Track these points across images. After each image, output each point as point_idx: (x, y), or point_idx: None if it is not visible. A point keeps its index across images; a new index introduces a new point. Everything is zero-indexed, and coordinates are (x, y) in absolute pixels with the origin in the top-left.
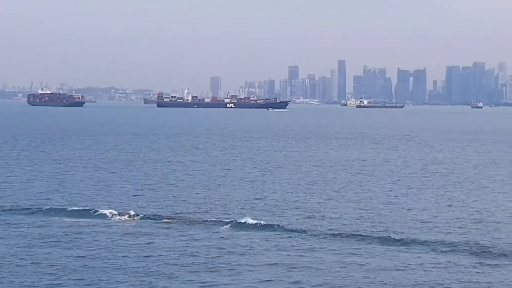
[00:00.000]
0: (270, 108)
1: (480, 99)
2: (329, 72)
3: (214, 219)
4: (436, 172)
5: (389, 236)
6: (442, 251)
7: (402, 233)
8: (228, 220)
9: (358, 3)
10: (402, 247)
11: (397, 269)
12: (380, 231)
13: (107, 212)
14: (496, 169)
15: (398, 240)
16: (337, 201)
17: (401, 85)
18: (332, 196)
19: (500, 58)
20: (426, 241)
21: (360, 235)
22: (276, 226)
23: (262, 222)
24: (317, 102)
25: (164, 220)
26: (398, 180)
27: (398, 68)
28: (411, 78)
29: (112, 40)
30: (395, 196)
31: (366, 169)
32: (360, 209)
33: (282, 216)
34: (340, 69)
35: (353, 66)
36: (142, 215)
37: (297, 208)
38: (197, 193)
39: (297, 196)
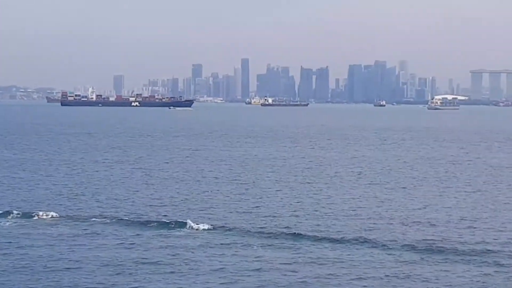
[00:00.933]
0: (171, 107)
1: (382, 97)
2: (232, 71)
3: (139, 219)
4: (354, 170)
5: (326, 236)
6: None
7: (331, 230)
8: (149, 220)
9: (262, 2)
10: (331, 244)
11: (328, 265)
12: (313, 229)
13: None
14: (417, 166)
15: (337, 240)
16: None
17: (304, 83)
18: (241, 193)
19: (401, 57)
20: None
21: (294, 233)
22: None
23: (178, 220)
24: (221, 100)
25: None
26: (312, 176)
27: (301, 67)
28: (314, 77)
29: (13, 38)
30: (312, 192)
31: (289, 167)
32: (290, 207)
33: (211, 214)
34: (243, 67)
35: (257, 65)
36: (64, 216)
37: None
38: (118, 193)
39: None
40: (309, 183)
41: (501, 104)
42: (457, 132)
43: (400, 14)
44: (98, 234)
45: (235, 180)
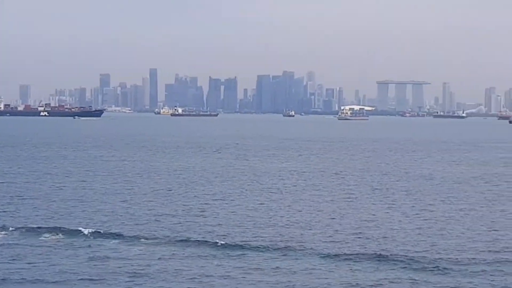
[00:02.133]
0: (76, 117)
1: (290, 107)
2: (141, 80)
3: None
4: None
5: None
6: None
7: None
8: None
9: (170, 10)
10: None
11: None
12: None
13: None
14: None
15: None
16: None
17: (212, 93)
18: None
19: (309, 68)
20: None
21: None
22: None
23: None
24: (129, 110)
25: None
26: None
27: (210, 77)
28: (222, 87)
29: None
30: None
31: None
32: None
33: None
34: (152, 77)
35: (165, 75)
36: None
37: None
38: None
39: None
40: (231, 193)
41: (407, 114)
42: (385, 141)
43: (307, 26)
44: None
45: (171, 191)
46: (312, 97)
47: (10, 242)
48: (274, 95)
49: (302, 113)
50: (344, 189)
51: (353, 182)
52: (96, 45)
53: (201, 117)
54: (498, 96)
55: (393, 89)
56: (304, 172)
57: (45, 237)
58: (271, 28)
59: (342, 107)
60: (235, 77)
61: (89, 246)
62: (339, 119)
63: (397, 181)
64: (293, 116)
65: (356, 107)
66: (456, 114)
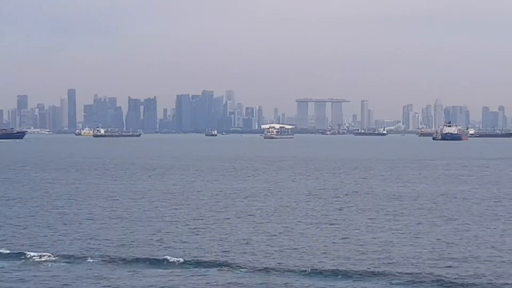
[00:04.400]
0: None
1: (210, 126)
2: (59, 101)
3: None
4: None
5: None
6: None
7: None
8: None
9: (87, 30)
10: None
11: None
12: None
13: None
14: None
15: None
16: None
17: (132, 114)
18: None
19: (228, 87)
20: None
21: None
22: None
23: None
24: (48, 132)
25: None
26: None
27: (129, 97)
28: (142, 107)
29: None
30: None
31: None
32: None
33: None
34: (70, 98)
35: (84, 95)
36: None
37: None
38: None
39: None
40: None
41: (328, 132)
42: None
43: (225, 47)
44: None
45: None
46: (232, 116)
47: None
48: (194, 114)
49: (223, 132)
50: (315, 209)
51: (323, 202)
52: (13, 67)
53: (124, 137)
54: (416, 113)
55: (313, 107)
56: (289, 191)
57: None
58: (188, 47)
59: (262, 126)
60: (155, 97)
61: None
62: (265, 138)
63: (372, 200)
64: (216, 135)
65: (276, 126)
66: (377, 132)
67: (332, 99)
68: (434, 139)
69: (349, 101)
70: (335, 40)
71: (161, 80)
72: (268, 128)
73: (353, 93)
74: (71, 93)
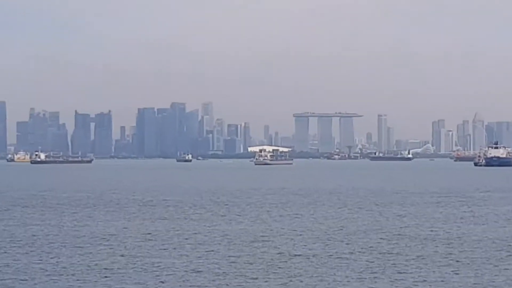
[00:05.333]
0: None
1: (181, 149)
2: None
3: None
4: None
5: None
6: None
7: None
8: None
9: (24, 33)
10: None
11: None
12: None
13: None
14: None
15: None
16: None
17: (79, 133)
18: None
19: (204, 98)
20: None
21: None
22: None
23: None
24: None
25: None
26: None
27: (76, 111)
28: (92, 124)
29: None
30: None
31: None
32: None
33: None
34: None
35: (16, 109)
36: None
37: None
38: None
39: None
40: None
41: (336, 156)
42: None
43: (201, 48)
44: None
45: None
46: (210, 135)
47: None
48: (161, 134)
49: (199, 157)
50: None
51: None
52: None
53: (70, 164)
54: (449, 131)
55: (315, 123)
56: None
57: None
58: (147, 54)
59: (249, 148)
60: (109, 111)
61: None
62: (255, 164)
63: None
64: (190, 161)
65: (269, 148)
66: (400, 155)
67: (340, 113)
68: (476, 164)
69: (361, 116)
70: (343, 38)
71: (117, 89)
72: (260, 152)
73: (367, 105)
74: (0, 107)
